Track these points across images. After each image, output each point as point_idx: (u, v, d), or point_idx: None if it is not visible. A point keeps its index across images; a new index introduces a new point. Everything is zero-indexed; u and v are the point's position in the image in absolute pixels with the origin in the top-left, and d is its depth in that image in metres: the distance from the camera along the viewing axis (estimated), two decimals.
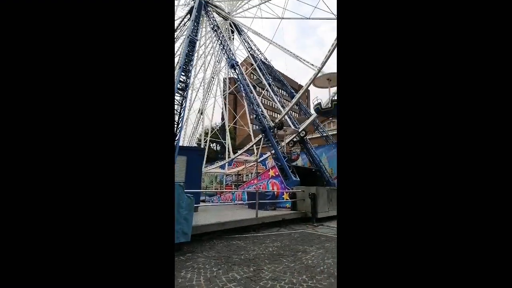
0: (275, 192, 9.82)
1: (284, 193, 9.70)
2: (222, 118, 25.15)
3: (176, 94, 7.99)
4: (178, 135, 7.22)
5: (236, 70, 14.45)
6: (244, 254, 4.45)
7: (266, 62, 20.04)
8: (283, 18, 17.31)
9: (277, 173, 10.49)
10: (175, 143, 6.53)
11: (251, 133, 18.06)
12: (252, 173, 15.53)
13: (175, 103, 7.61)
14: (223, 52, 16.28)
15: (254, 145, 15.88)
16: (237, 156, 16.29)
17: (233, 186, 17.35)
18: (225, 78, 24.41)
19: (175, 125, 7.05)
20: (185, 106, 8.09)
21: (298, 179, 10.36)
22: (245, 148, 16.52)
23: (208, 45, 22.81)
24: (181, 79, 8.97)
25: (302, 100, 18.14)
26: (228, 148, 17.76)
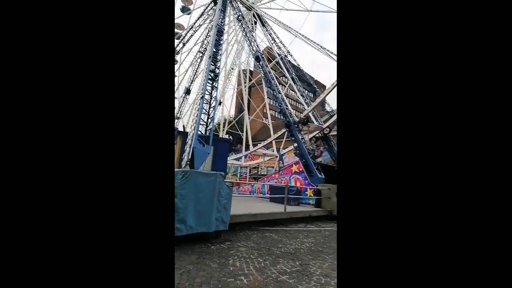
0: (299, 188, 9.70)
1: (308, 189, 9.57)
2: (240, 110, 25.05)
3: (207, 84, 7.93)
4: (211, 125, 7.19)
5: (261, 63, 14.23)
6: (283, 247, 4.39)
7: (289, 55, 19.65)
8: (311, 11, 16.77)
9: (301, 169, 10.34)
10: (208, 133, 6.53)
11: (271, 127, 17.91)
12: (270, 167, 15.47)
13: (206, 93, 7.55)
14: (248, 43, 16.06)
15: (273, 140, 15.76)
16: (257, 149, 16.22)
17: (247, 179, 17.39)
18: (245, 70, 24.17)
19: (207, 116, 7.01)
20: (216, 96, 8.04)
21: (323, 176, 10.18)
22: (267, 141, 16.40)
23: (230, 34, 22.56)
24: (211, 68, 8.90)
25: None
26: (247, 140, 17.71)
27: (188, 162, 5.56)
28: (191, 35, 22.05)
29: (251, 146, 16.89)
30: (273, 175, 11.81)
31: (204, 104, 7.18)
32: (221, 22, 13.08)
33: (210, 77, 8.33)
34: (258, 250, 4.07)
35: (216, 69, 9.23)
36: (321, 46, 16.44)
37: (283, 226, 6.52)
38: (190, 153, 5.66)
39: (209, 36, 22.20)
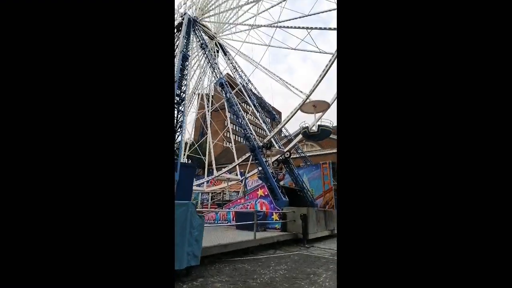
0: (265, 212, 9.73)
1: (274, 213, 9.66)
2: (201, 134, 24.68)
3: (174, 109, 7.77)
4: (179, 151, 6.90)
5: (225, 89, 14.65)
6: (258, 278, 4.29)
7: (249, 83, 20.71)
8: (269, 46, 18.38)
9: (266, 193, 10.47)
10: (175, 160, 6.22)
11: (234, 151, 17.97)
12: (235, 191, 15.22)
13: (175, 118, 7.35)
14: (211, 70, 16.47)
15: (237, 164, 15.77)
16: (221, 173, 15.91)
17: (209, 205, 16.65)
18: (207, 94, 24.41)
19: (173, 142, 6.74)
20: (182, 120, 7.84)
21: (287, 199, 10.47)
22: (232, 165, 16.24)
23: (192, 59, 22.87)
24: (176, 93, 8.78)
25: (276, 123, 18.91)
26: (210, 164, 17.27)
27: None
28: None
29: (214, 171, 16.50)
30: (238, 201, 11.63)
31: None
32: (186, 49, 13.27)
33: (175, 101, 8.18)
34: (234, 284, 3.89)
35: (182, 93, 9.15)
36: (279, 77, 17.87)
37: (253, 255, 6.37)
38: None
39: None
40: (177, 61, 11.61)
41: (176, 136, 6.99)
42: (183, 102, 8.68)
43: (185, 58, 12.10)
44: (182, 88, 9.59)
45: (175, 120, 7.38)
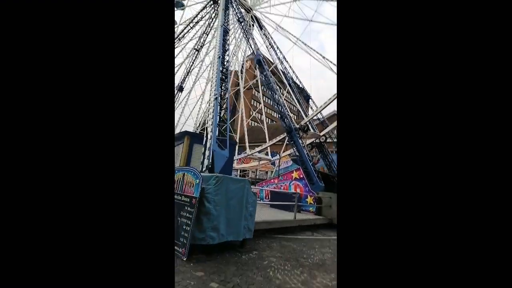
0: (300, 195, 9.78)
1: (308, 196, 9.67)
2: (232, 112, 24.82)
3: (220, 85, 7.74)
4: (227, 129, 7.01)
5: (262, 66, 14.24)
6: (308, 258, 4.38)
7: (284, 61, 19.89)
8: (311, 21, 17.18)
9: (301, 176, 10.44)
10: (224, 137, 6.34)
11: (266, 131, 17.94)
12: (263, 171, 15.44)
13: (220, 94, 7.35)
14: (248, 46, 15.99)
15: (272, 144, 15.82)
16: (254, 152, 16.14)
17: None
18: (237, 71, 24.03)
19: (219, 117, 6.81)
20: (227, 97, 7.86)
21: (323, 184, 10.36)
22: (267, 145, 16.33)
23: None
24: (221, 69, 8.72)
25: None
26: (243, 142, 17.55)
27: (210, 166, 5.35)
28: (185, 31, 21.54)
29: (247, 149, 16.74)
30: (272, 180, 11.79)
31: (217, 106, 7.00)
32: (226, 23, 12.91)
33: (221, 78, 8.15)
34: (288, 261, 4.01)
35: (225, 70, 9.07)
36: (323, 56, 16.82)
37: (293, 235, 6.51)
38: (210, 156, 5.46)
39: (206, 34, 21.86)
40: (218, 36, 11.38)
41: (222, 113, 7.06)
42: (227, 79, 8.62)
43: (226, 32, 11.81)
44: (225, 64, 9.47)
45: (219, 97, 7.40)
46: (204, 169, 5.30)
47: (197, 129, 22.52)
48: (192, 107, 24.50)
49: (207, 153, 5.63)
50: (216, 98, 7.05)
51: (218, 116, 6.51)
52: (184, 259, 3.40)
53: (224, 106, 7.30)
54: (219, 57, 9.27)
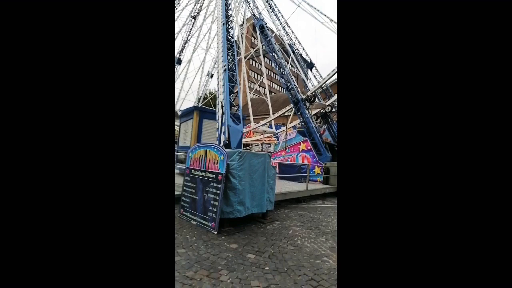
0: (307, 165, 9.95)
1: (316, 167, 9.86)
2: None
3: (227, 54, 7.32)
4: (239, 100, 6.83)
5: (265, 32, 13.41)
6: (327, 225, 4.59)
7: (286, 27, 18.68)
8: None
9: (309, 147, 10.51)
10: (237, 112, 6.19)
11: (269, 103, 17.58)
12: (266, 144, 15.51)
13: (227, 66, 6.99)
14: (250, 10, 14.87)
15: (279, 116, 15.63)
16: (259, 126, 16.02)
17: None
18: (237, 38, 22.70)
19: (230, 95, 6.57)
20: (236, 68, 7.49)
21: (331, 154, 10.49)
22: (274, 117, 16.12)
23: None
24: (226, 36, 8.17)
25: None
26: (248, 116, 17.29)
27: (226, 142, 5.32)
28: None
29: (252, 122, 16.57)
30: (279, 153, 11.90)
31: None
32: None
33: (228, 46, 7.69)
34: (310, 230, 4.21)
35: (230, 37, 8.51)
36: (330, 19, 15.70)
37: (306, 204, 6.77)
38: (226, 132, 5.39)
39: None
40: (220, 1, 10.49)
41: (235, 90, 6.80)
42: (233, 47, 8.12)
43: None
44: (230, 31, 8.85)
45: (228, 68, 7.05)
46: (221, 145, 5.27)
47: (196, 103, 22.04)
48: (192, 80, 23.69)
49: (222, 128, 5.54)
50: (225, 70, 6.73)
51: (229, 89, 6.27)
52: (215, 232, 3.54)
53: (234, 78, 7.00)
54: (223, 23, 8.64)
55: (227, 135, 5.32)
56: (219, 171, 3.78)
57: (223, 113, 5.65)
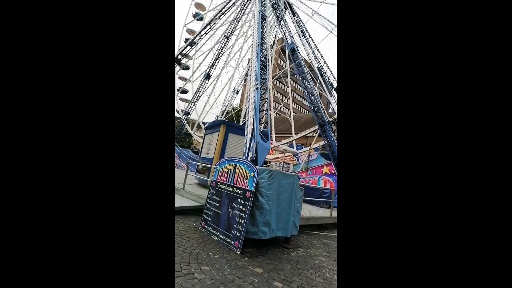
0: (331, 190, 9.53)
1: None
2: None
3: (260, 74, 7.52)
4: (266, 118, 6.87)
5: (295, 54, 13.71)
6: None
7: (316, 51, 19.02)
8: None
9: (332, 171, 10.14)
10: (263, 128, 6.20)
11: (292, 123, 17.60)
12: (286, 163, 15.26)
13: (259, 84, 7.14)
14: (283, 33, 15.44)
15: (303, 137, 15.50)
16: (281, 144, 15.96)
17: None
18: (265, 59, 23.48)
19: (260, 108, 6.65)
20: (267, 87, 7.64)
21: None
22: (297, 137, 16.06)
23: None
24: (261, 58, 8.45)
25: None
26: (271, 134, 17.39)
27: (254, 158, 5.27)
28: (214, 18, 21.27)
29: (274, 141, 16.57)
30: (299, 174, 11.60)
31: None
32: (263, 9, 12.45)
33: (261, 66, 7.91)
34: (336, 261, 3.88)
35: (264, 58, 8.78)
36: None
37: (329, 232, 6.37)
38: (254, 148, 5.37)
39: (237, 20, 21.42)
40: (256, 23, 11.03)
41: (263, 103, 6.88)
42: (266, 67, 8.34)
43: (263, 19, 11.40)
44: (264, 52, 9.17)
45: (262, 89, 7.19)
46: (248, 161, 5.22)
47: (220, 117, 22.65)
48: (217, 95, 24.61)
49: (251, 144, 5.53)
50: (257, 88, 6.86)
51: (259, 107, 6.33)
52: (238, 252, 3.38)
53: (265, 96, 7.10)
54: (258, 44, 8.98)
55: (254, 151, 5.27)
56: (248, 188, 3.69)
57: (253, 129, 5.66)
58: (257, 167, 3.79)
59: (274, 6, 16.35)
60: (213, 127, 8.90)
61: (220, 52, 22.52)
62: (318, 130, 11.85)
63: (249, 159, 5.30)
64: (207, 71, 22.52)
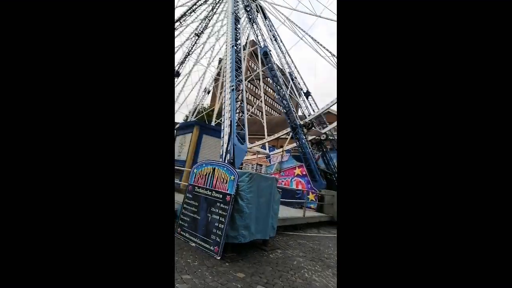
0: (302, 191, 9.86)
1: (310, 193, 9.79)
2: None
3: (235, 75, 7.46)
4: (244, 120, 6.82)
5: (268, 58, 13.95)
6: (329, 257, 4.42)
7: (286, 56, 19.59)
8: (320, 17, 16.95)
9: (304, 173, 10.51)
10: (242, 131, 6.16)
11: (264, 125, 17.80)
12: (259, 164, 15.41)
13: (235, 86, 7.09)
14: (255, 36, 15.58)
15: (276, 139, 15.72)
16: (254, 146, 16.00)
17: None
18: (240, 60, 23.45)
19: (238, 110, 6.60)
20: (243, 88, 7.60)
21: (325, 182, 10.50)
22: (270, 138, 16.19)
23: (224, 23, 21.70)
24: (235, 58, 8.40)
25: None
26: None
27: (232, 161, 5.19)
28: (184, 15, 20.61)
29: (246, 142, 16.53)
30: (272, 175, 11.78)
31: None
32: (236, 10, 12.42)
33: (236, 67, 7.85)
34: (314, 261, 4.03)
35: (238, 60, 8.75)
36: (332, 53, 16.63)
37: (302, 232, 6.57)
38: (232, 151, 5.29)
39: (208, 19, 20.98)
40: (229, 24, 10.95)
41: (238, 104, 6.84)
42: (240, 69, 8.32)
43: (237, 20, 11.38)
44: (239, 54, 9.13)
45: (237, 91, 7.15)
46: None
47: (189, 117, 21.91)
48: (188, 93, 23.75)
49: (228, 147, 5.44)
50: (232, 90, 6.80)
51: (235, 109, 6.28)
52: (218, 258, 3.29)
53: (240, 98, 7.07)
54: (232, 46, 8.92)
55: (232, 154, 5.21)
56: (228, 192, 3.62)
57: (230, 132, 5.58)
58: (236, 170, 3.75)
59: (246, 8, 16.41)
60: (185, 127, 8.57)
61: (191, 50, 21.87)
62: (291, 133, 12.18)
63: (226, 162, 5.21)
64: (177, 68, 21.67)
